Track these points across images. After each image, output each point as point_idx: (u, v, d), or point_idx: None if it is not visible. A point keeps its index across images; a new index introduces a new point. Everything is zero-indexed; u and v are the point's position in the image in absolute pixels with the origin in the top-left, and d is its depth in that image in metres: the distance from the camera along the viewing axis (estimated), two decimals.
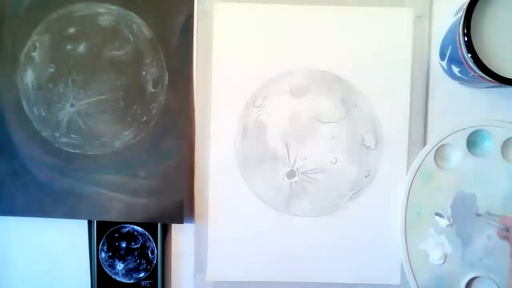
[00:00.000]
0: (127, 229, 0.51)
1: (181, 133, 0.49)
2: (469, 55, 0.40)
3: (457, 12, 0.44)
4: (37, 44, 0.49)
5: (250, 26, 0.49)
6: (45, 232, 0.51)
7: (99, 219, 0.50)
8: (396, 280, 0.49)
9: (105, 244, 0.51)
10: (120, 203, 0.49)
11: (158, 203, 0.49)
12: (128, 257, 0.51)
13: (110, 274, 0.51)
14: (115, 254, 0.51)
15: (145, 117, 0.49)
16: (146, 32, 0.49)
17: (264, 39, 0.49)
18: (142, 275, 0.51)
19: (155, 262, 0.51)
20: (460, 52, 0.41)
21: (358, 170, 0.49)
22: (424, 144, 0.49)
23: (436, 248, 0.48)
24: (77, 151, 0.49)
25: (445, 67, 0.47)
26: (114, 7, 0.49)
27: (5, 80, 0.49)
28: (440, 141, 0.48)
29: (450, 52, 0.44)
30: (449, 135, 0.48)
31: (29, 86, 0.49)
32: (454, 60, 0.44)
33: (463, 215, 0.48)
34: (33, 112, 0.49)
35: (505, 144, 0.48)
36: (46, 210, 0.50)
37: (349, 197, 0.49)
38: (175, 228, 0.51)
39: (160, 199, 0.49)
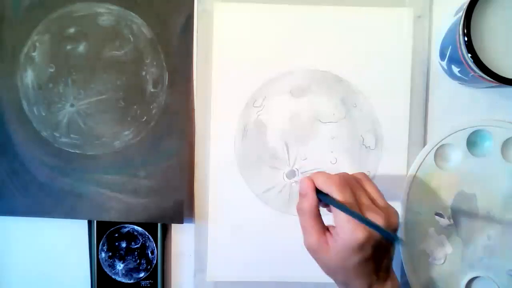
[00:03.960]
0: (127, 229, 0.51)
1: (181, 133, 0.49)
2: (469, 55, 0.40)
3: (457, 12, 0.44)
4: (37, 44, 0.49)
5: (250, 26, 0.49)
6: (45, 232, 0.51)
7: (99, 219, 0.50)
8: None
9: (105, 244, 0.51)
10: (120, 203, 0.49)
11: (158, 203, 0.49)
12: (128, 257, 0.51)
13: (110, 274, 0.51)
14: (115, 254, 0.51)
15: (145, 117, 0.49)
16: (146, 32, 0.49)
17: (264, 39, 0.49)
18: (142, 275, 0.51)
19: (155, 262, 0.51)
20: (460, 52, 0.42)
21: (358, 170, 0.49)
22: (424, 144, 0.49)
23: (436, 248, 0.48)
24: (77, 151, 0.49)
25: (445, 67, 0.47)
26: (114, 7, 0.49)
27: (5, 80, 0.49)
28: (440, 141, 0.48)
29: (450, 52, 0.44)
30: (449, 135, 0.48)
31: (29, 86, 0.49)
32: (454, 60, 0.44)
33: (463, 215, 0.48)
34: (33, 112, 0.49)
35: (505, 144, 0.48)
36: (46, 210, 0.50)
37: None
38: (175, 228, 0.51)
39: (160, 199, 0.49)
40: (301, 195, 0.39)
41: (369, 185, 0.40)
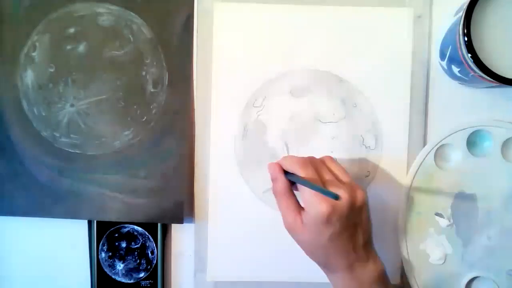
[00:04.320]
0: (127, 229, 0.51)
1: (181, 133, 0.49)
2: (469, 55, 0.40)
3: (457, 12, 0.44)
4: (37, 44, 0.49)
5: (250, 26, 0.49)
6: (45, 232, 0.51)
7: (99, 219, 0.50)
8: (396, 280, 0.49)
9: (105, 244, 0.51)
10: (120, 203, 0.49)
11: (158, 203, 0.49)
12: (128, 257, 0.51)
13: (110, 274, 0.51)
14: (115, 254, 0.51)
15: (145, 117, 0.49)
16: (146, 32, 0.49)
17: (264, 39, 0.49)
18: (142, 275, 0.51)
19: (155, 262, 0.51)
20: (460, 52, 0.42)
21: (358, 170, 0.49)
22: (424, 144, 0.49)
23: (436, 248, 0.48)
24: (77, 151, 0.49)
25: (445, 67, 0.47)
26: (114, 7, 0.49)
27: (5, 80, 0.49)
28: (440, 141, 0.48)
29: (450, 52, 0.44)
30: (449, 135, 0.48)
31: (29, 86, 0.49)
32: (454, 60, 0.44)
33: (463, 215, 0.48)
34: (33, 112, 0.49)
35: (505, 144, 0.48)
36: (46, 210, 0.50)
37: None
38: (175, 228, 0.51)
39: (160, 199, 0.49)
40: (272, 180, 0.42)
41: (333, 165, 0.42)
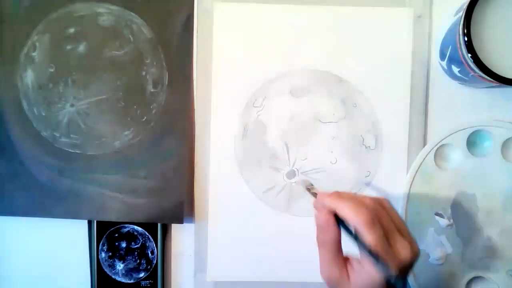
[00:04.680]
0: (127, 229, 0.51)
1: (181, 133, 0.49)
2: (469, 55, 0.40)
3: (457, 12, 0.44)
4: (37, 44, 0.49)
5: (250, 26, 0.49)
6: (45, 232, 0.51)
7: (99, 219, 0.50)
8: None
9: (105, 244, 0.51)
10: (120, 203, 0.49)
11: (158, 203, 0.49)
12: (128, 257, 0.51)
13: (110, 274, 0.51)
14: (115, 254, 0.51)
15: (145, 117, 0.49)
16: (146, 32, 0.49)
17: (264, 39, 0.49)
18: (142, 275, 0.51)
19: (155, 262, 0.51)
20: (460, 52, 0.42)
21: (358, 170, 0.49)
22: (424, 144, 0.49)
23: (436, 248, 0.48)
24: (77, 151, 0.49)
25: (445, 67, 0.47)
26: (114, 7, 0.49)
27: (5, 80, 0.49)
28: (440, 141, 0.48)
29: (450, 52, 0.44)
30: (449, 135, 0.48)
31: (29, 86, 0.49)
32: (454, 60, 0.44)
33: (463, 215, 0.48)
34: (33, 112, 0.49)
35: (505, 144, 0.48)
36: (46, 210, 0.50)
37: None
38: (175, 228, 0.51)
39: (160, 199, 0.49)
40: (320, 227, 0.36)
41: (394, 213, 0.37)
